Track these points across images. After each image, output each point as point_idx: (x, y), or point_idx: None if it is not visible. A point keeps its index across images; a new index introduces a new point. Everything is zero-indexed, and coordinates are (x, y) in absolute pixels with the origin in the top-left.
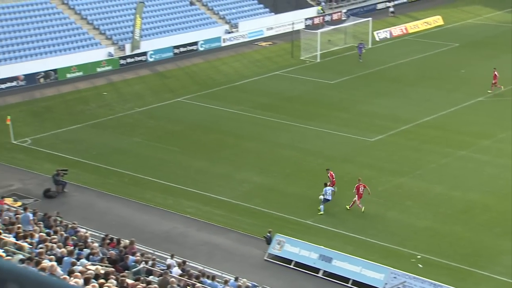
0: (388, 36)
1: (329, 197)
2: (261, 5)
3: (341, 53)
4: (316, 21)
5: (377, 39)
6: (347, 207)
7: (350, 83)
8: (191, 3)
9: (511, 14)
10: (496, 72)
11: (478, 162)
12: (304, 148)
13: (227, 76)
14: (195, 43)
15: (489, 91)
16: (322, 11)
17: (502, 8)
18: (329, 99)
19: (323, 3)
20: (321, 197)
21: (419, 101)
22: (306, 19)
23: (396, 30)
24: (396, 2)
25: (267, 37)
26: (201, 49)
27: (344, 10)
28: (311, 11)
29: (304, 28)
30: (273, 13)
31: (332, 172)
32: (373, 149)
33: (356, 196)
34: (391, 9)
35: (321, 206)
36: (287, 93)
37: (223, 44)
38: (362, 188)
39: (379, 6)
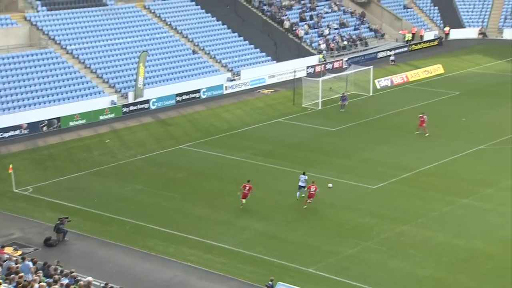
0: (389, 84)
1: (303, 184)
2: (263, 53)
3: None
4: (318, 69)
5: (378, 87)
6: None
7: (351, 130)
8: (194, 52)
9: (510, 63)
10: (424, 117)
11: (481, 210)
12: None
13: (229, 123)
14: (197, 91)
15: (416, 133)
16: (323, 59)
17: (502, 58)
18: (330, 146)
19: (324, 52)
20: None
21: (421, 148)
22: (307, 67)
23: (397, 78)
24: (397, 51)
25: (269, 84)
26: (204, 96)
27: (345, 59)
28: (313, 59)
29: (305, 76)
30: (275, 61)
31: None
32: (375, 196)
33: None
34: (392, 58)
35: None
36: (289, 140)
37: (225, 92)
38: (314, 188)
39: (380, 55)
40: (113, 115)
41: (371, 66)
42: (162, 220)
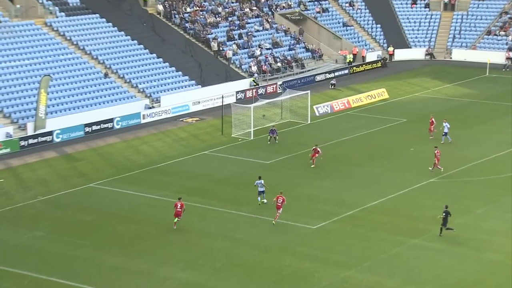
0: (329, 111)
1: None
2: (186, 77)
3: (277, 130)
4: (249, 94)
5: (317, 113)
6: (273, 222)
7: (288, 163)
8: (106, 75)
9: (461, 87)
10: (433, 119)
11: (433, 252)
12: (236, 238)
13: (147, 157)
14: (110, 120)
15: (430, 137)
16: (255, 83)
17: (451, 81)
18: (264, 182)
19: (256, 75)
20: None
21: (366, 183)
22: (237, 92)
23: (338, 104)
24: (337, 74)
25: (193, 112)
26: (117, 126)
27: (280, 82)
28: (243, 83)
29: (235, 102)
30: (199, 86)
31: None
32: (315, 237)
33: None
34: (332, 81)
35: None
36: (217, 175)
37: (143, 121)
38: (281, 200)
39: (318, 78)
40: (8, 150)
41: (309, 91)
42: (68, 272)
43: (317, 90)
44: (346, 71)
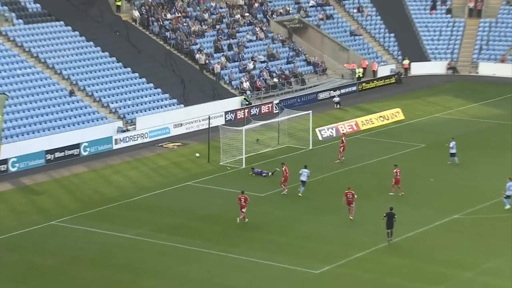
0: (334, 134)
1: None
2: (167, 95)
3: (273, 156)
4: (240, 115)
5: (320, 138)
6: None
7: (285, 195)
8: (71, 93)
9: (489, 107)
10: (397, 170)
11: None
12: (225, 284)
13: (120, 190)
14: (76, 146)
15: (390, 193)
16: (247, 102)
17: (477, 100)
18: (258, 218)
19: (248, 92)
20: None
21: (377, 219)
22: (226, 112)
23: (344, 127)
24: (343, 91)
25: (175, 136)
26: (85, 153)
27: (276, 101)
28: (233, 102)
29: (223, 125)
30: (182, 105)
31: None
32: (319, 284)
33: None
34: (337, 100)
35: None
36: (203, 211)
37: (115, 147)
38: (351, 195)
39: (321, 96)
40: None
41: (310, 111)
42: None
43: (320, 110)
44: (354, 88)
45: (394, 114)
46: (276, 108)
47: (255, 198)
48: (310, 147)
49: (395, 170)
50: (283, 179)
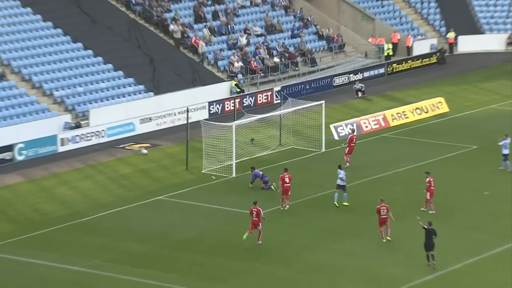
0: (356, 132)
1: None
2: (130, 80)
3: (274, 162)
4: (229, 106)
5: (336, 137)
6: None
7: (288, 214)
8: (2, 77)
9: None
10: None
11: None
12: None
13: (68, 206)
14: (8, 148)
15: (422, 209)
16: (238, 90)
17: None
18: (254, 244)
19: (240, 76)
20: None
21: (412, 246)
22: (210, 103)
23: (369, 122)
24: (366, 74)
25: (141, 135)
26: (20, 158)
27: (277, 88)
28: (220, 89)
29: (207, 119)
30: (151, 94)
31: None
32: None
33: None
34: (358, 86)
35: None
36: (179, 234)
37: (61, 149)
38: (385, 210)
39: (338, 81)
40: None
41: (323, 101)
42: None
43: (336, 100)
44: (382, 70)
45: (436, 106)
46: (277, 97)
47: (249, 218)
48: (323, 149)
49: (427, 179)
50: (280, 191)
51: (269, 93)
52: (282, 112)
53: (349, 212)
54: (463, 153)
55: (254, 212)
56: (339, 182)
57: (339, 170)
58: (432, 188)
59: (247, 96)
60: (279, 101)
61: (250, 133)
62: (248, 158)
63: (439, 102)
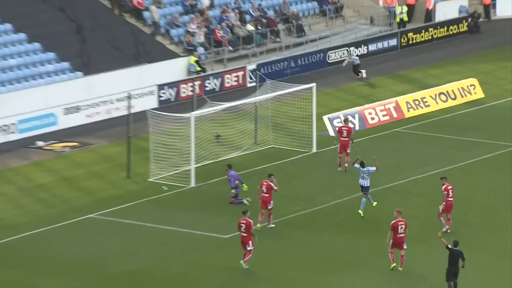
0: (358, 126)
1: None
2: (51, 55)
3: (248, 167)
4: (186, 91)
5: (332, 132)
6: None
7: (271, 236)
8: None
9: None
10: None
11: None
12: None
13: None
14: None
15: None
16: (199, 69)
17: None
18: (222, 277)
19: (201, 50)
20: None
21: (435, 278)
22: (160, 86)
23: (376, 113)
24: (372, 47)
25: (66, 130)
26: None
27: (252, 66)
28: (174, 69)
29: (156, 109)
30: (79, 74)
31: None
32: None
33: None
34: (352, 59)
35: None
36: (116, 266)
37: None
38: (403, 227)
39: (334, 57)
40: None
41: (314, 84)
42: None
43: (332, 82)
44: (394, 42)
45: (466, 90)
46: (251, 78)
47: (213, 243)
48: (314, 150)
49: (444, 187)
50: (260, 200)
51: (240, 73)
52: (258, 99)
53: (350, 234)
54: (503, 154)
55: (242, 225)
56: (361, 182)
57: (358, 166)
58: (451, 199)
59: (211, 77)
60: (254, 84)
61: (215, 128)
62: (212, 161)
63: (471, 85)
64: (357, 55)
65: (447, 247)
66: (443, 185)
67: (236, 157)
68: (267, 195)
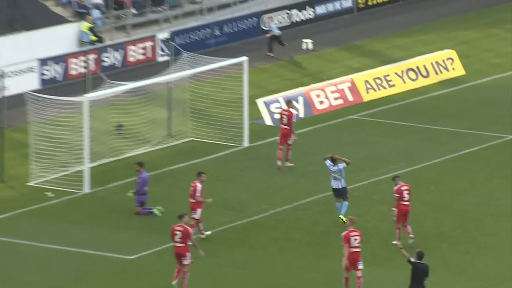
0: (303, 113)
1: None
2: None
3: (159, 167)
4: (77, 67)
5: (270, 121)
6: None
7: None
8: None
9: None
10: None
11: None
12: None
13: None
14: None
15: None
16: (93, 38)
17: None
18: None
19: (96, 13)
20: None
21: None
22: (43, 61)
23: (326, 95)
24: (320, 10)
25: None
26: None
27: (164, 35)
28: (61, 37)
29: (35, 91)
30: None
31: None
32: None
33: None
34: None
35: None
36: None
37: None
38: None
39: (269, 25)
40: None
41: (245, 58)
42: None
43: (267, 58)
44: (349, 3)
45: (442, 65)
46: (163, 50)
47: (117, 264)
48: (245, 144)
49: (396, 188)
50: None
51: (148, 44)
52: (173, 78)
53: (292, 253)
54: (489, 148)
55: (177, 232)
56: (333, 184)
57: (329, 163)
58: (406, 203)
59: (110, 50)
60: (166, 57)
61: (117, 117)
62: (112, 159)
63: (448, 59)
64: (279, 24)
65: (408, 261)
66: (396, 185)
67: (143, 154)
68: (193, 201)
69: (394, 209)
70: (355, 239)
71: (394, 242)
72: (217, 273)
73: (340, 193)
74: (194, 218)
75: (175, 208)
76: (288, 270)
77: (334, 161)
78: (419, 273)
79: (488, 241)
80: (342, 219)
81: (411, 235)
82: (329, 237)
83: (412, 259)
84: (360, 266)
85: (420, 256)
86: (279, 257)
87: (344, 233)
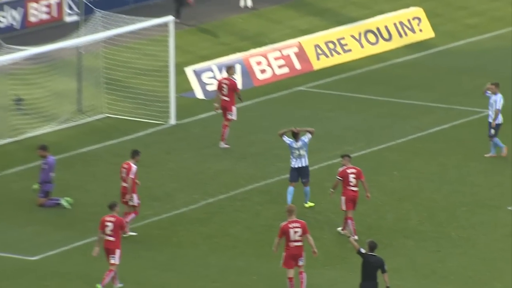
0: (242, 84)
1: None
2: None
3: (68, 149)
4: None
5: (201, 94)
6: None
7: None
8: None
9: None
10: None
11: None
12: None
13: None
14: None
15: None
16: None
17: None
18: None
19: None
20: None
21: None
22: None
23: (268, 63)
24: None
25: None
26: None
27: None
28: None
29: None
30: None
31: None
32: None
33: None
34: None
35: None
36: None
37: None
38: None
39: None
40: None
41: (171, 17)
42: None
43: (200, 14)
44: None
45: (407, 25)
46: (71, 8)
47: (18, 266)
48: (172, 121)
49: (341, 170)
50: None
51: (53, 1)
52: (83, 42)
53: (228, 252)
54: (464, 125)
55: (108, 224)
56: (293, 163)
57: (289, 140)
58: (354, 188)
59: (7, 7)
60: (76, 17)
61: (16, 89)
62: (10, 140)
63: (415, 19)
64: None
65: (358, 252)
66: (342, 166)
67: (49, 133)
68: (125, 185)
69: (331, 190)
70: (295, 232)
71: (338, 229)
72: (138, 277)
73: (302, 173)
74: (131, 206)
75: (88, 198)
76: (223, 272)
77: (295, 135)
78: (370, 267)
79: (462, 237)
80: (310, 205)
81: (345, 231)
82: (272, 232)
83: (363, 250)
84: (301, 262)
85: (372, 247)
86: (212, 257)
87: (283, 224)
